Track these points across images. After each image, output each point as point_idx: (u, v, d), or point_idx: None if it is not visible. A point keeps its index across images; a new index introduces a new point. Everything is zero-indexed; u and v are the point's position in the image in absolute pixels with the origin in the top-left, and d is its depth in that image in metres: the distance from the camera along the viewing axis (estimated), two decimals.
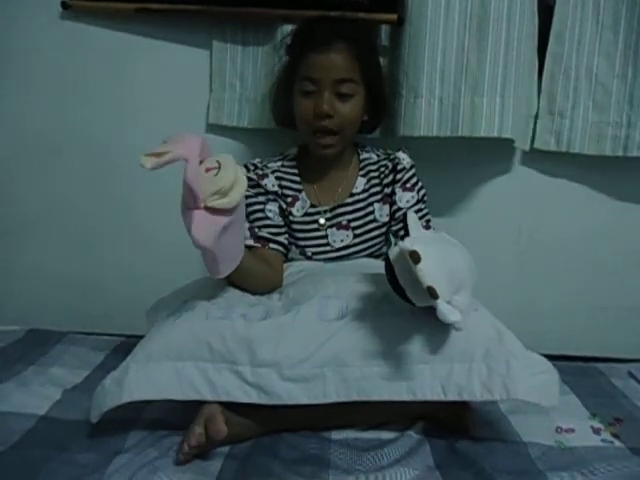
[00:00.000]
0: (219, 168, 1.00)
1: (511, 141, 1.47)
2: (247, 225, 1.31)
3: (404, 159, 1.38)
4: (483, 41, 1.40)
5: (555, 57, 1.50)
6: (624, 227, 1.61)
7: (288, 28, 1.45)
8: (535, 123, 1.54)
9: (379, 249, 1.41)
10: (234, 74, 1.54)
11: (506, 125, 1.43)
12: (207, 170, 1.00)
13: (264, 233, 1.32)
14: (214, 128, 1.58)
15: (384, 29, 1.50)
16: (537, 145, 1.55)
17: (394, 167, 1.38)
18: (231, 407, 1.04)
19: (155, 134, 1.55)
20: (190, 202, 0.97)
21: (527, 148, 1.55)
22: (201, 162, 1.00)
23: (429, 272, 0.91)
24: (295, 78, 1.30)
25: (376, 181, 1.39)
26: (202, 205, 0.97)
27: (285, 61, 1.38)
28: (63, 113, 1.60)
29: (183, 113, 1.57)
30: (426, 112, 1.44)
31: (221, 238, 1.02)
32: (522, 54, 1.43)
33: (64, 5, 1.52)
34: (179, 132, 1.03)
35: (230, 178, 1.00)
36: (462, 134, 1.43)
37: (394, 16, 1.44)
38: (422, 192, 1.38)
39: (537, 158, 1.57)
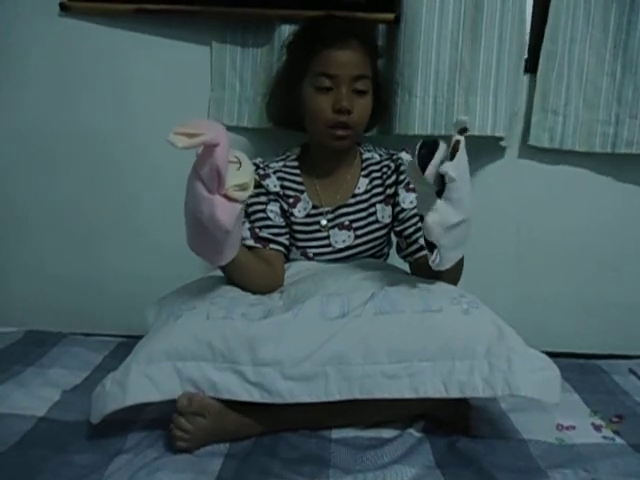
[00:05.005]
0: (239, 163, 1.04)
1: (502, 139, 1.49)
2: (248, 225, 1.31)
3: (407, 160, 1.37)
4: (476, 41, 1.43)
5: (549, 55, 1.51)
6: (624, 223, 1.61)
7: (287, 28, 1.46)
8: (528, 120, 1.55)
9: (380, 250, 1.40)
10: (233, 74, 1.55)
11: (499, 123, 1.46)
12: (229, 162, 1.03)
13: (265, 234, 1.31)
14: None
15: (379, 29, 1.50)
16: (531, 142, 1.56)
17: (397, 168, 1.37)
18: (231, 405, 1.04)
19: (156, 134, 1.56)
20: (212, 186, 0.98)
21: (514, 146, 1.56)
22: None
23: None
24: (304, 75, 1.30)
25: (378, 182, 1.38)
26: (222, 192, 0.99)
27: (287, 60, 1.38)
28: (62, 113, 1.59)
29: (184, 112, 1.55)
30: (421, 111, 1.45)
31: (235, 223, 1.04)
32: (513, 53, 1.45)
33: (62, 6, 1.52)
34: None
35: (251, 175, 1.05)
36: None
37: (391, 15, 1.45)
38: None
39: (534, 154, 1.58)
